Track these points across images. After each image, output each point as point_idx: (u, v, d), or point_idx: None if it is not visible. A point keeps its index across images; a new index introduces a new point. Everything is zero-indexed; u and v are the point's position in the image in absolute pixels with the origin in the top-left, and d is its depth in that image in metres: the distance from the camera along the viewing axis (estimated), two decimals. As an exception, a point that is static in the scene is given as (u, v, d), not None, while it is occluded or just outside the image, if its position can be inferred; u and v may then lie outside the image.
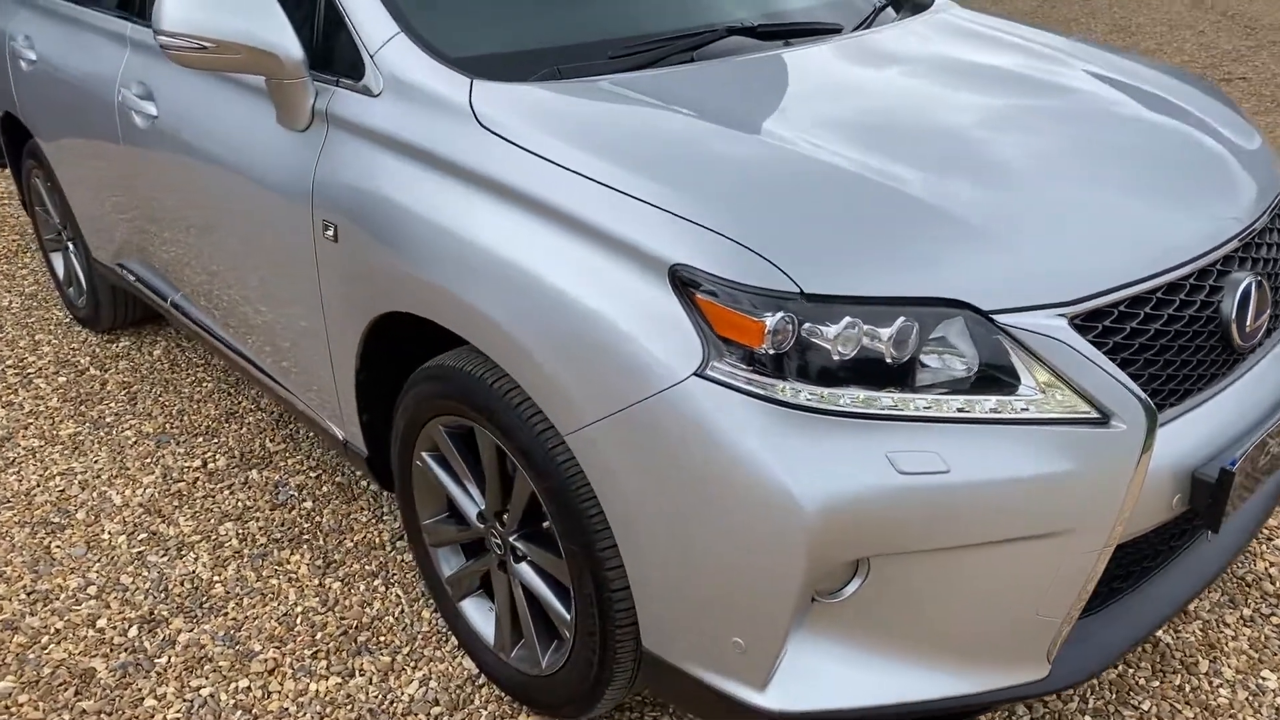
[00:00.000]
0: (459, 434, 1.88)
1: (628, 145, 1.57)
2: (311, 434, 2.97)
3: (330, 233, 1.90)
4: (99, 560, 2.48)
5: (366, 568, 2.41)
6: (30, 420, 3.12)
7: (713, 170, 1.51)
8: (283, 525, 2.58)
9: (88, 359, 3.51)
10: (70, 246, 3.62)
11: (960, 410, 1.35)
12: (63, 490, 2.76)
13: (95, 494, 2.74)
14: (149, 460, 2.88)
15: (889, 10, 2.39)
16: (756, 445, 1.32)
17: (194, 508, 2.66)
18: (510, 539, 1.83)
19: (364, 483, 2.74)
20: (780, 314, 1.33)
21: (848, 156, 1.55)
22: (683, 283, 1.39)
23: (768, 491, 1.31)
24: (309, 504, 2.66)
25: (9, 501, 2.72)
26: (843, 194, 1.48)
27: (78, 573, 2.44)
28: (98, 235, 3.20)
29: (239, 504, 2.67)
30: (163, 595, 2.35)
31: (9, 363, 3.49)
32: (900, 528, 1.34)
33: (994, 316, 1.36)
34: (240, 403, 3.17)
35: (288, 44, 1.88)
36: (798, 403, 1.33)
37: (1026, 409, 1.37)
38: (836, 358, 1.34)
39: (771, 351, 1.34)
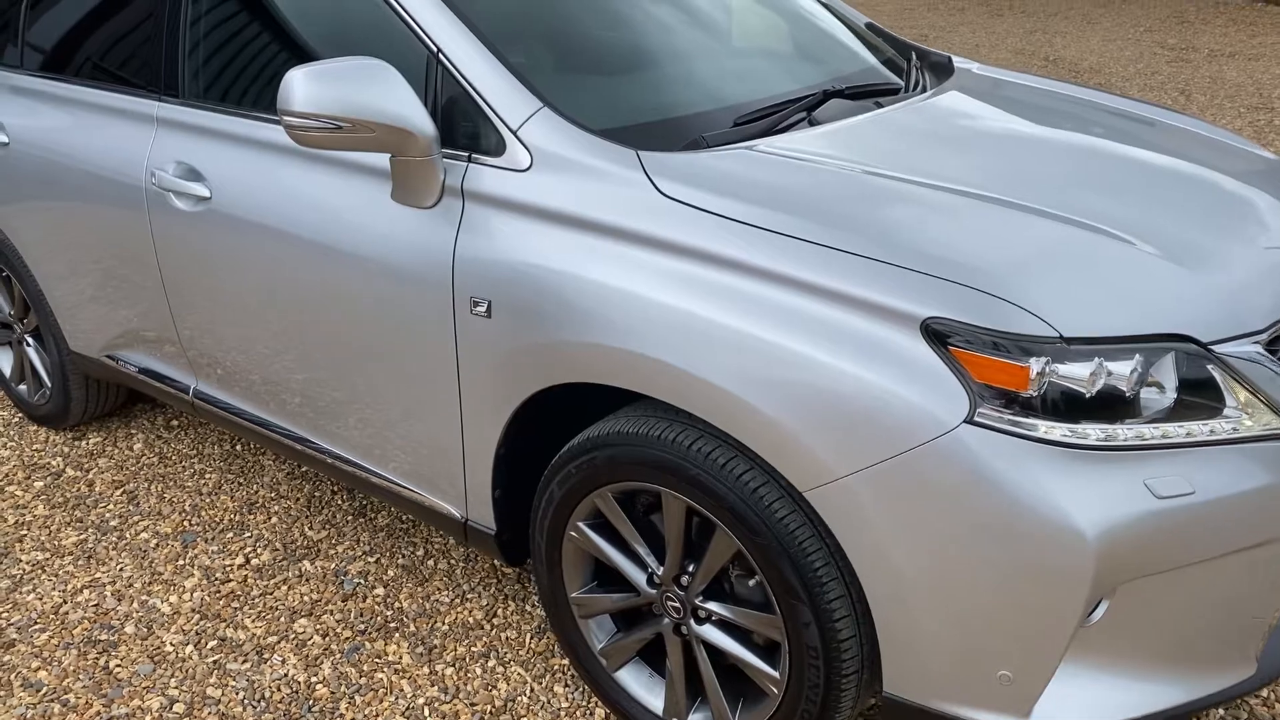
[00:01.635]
0: (625, 498, 1.87)
1: (831, 207, 1.64)
2: (359, 518, 2.84)
3: (482, 309, 1.86)
4: (173, 675, 2.29)
5: (473, 649, 2.33)
6: (22, 531, 2.85)
7: (927, 226, 1.59)
8: (363, 616, 2.46)
9: (60, 460, 3.24)
10: (28, 340, 3.34)
11: (1189, 435, 1.48)
12: (96, 604, 2.54)
13: (136, 604, 2.53)
14: (182, 562, 2.68)
15: (926, 73, 2.56)
16: (1034, 483, 1.40)
17: (256, 608, 2.50)
18: (695, 601, 1.83)
19: (431, 562, 2.65)
20: (1043, 358, 1.42)
21: (1044, 208, 1.67)
22: (935, 335, 1.46)
23: (1053, 526, 1.39)
24: (380, 590, 2.55)
25: (38, 623, 2.48)
26: (1060, 242, 1.59)
27: (155, 691, 2.24)
28: (82, 327, 2.98)
29: (305, 599, 2.52)
30: (262, 704, 2.20)
31: (-33, 472, 3.18)
32: (1159, 549, 1.44)
33: (1211, 347, 1.50)
34: (256, 491, 3.00)
35: (421, 121, 1.85)
36: (1059, 440, 1.42)
37: (1235, 429, 1.51)
38: (1086, 395, 1.45)
39: (1034, 394, 1.43)
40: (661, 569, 1.87)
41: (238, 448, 3.27)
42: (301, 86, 1.81)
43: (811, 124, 2.01)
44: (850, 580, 1.62)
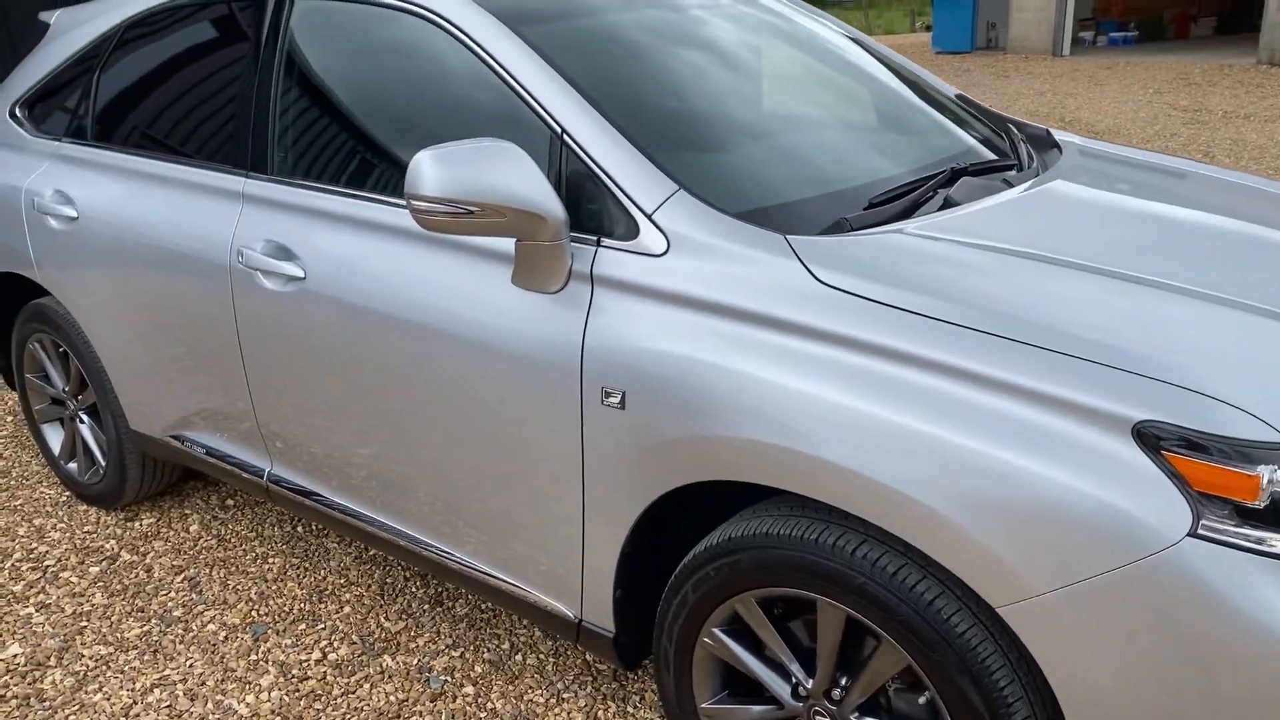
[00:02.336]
0: (767, 604, 1.75)
1: (1009, 296, 1.55)
2: (437, 606, 2.71)
3: (615, 399, 1.76)
4: (259, 787, 2.14)
5: (578, 757, 2.19)
6: (81, 623, 2.71)
7: (1116, 317, 1.50)
8: (454, 718, 2.31)
9: (114, 543, 3.10)
10: (82, 418, 3.23)
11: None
12: (169, 705, 2.39)
13: (211, 705, 2.38)
14: (255, 657, 2.54)
15: (1036, 150, 2.49)
16: (1267, 605, 1.29)
17: (340, 708, 2.35)
18: (849, 717, 1.71)
19: (519, 657, 2.51)
20: (1271, 465, 1.32)
21: (1225, 295, 1.58)
22: (1147, 439, 1.36)
23: (1290, 650, 1.28)
24: (469, 689, 2.41)
25: (108, 727, 2.33)
26: (1253, 332, 1.50)
27: (242, 806, 2.10)
28: (145, 405, 2.87)
29: (390, 698, 2.38)
30: (359, 820, 2.05)
31: (17, 556, 3.04)
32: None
33: None
34: (324, 578, 2.87)
35: (552, 206, 1.77)
36: (1285, 554, 1.32)
37: None
38: (1313, 505, 1.34)
39: (1264, 505, 1.32)
40: (810, 681, 1.74)
41: (298, 529, 3.14)
42: (432, 170, 1.72)
43: (947, 204, 1.93)
44: (1038, 700, 1.50)
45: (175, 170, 2.58)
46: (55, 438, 3.39)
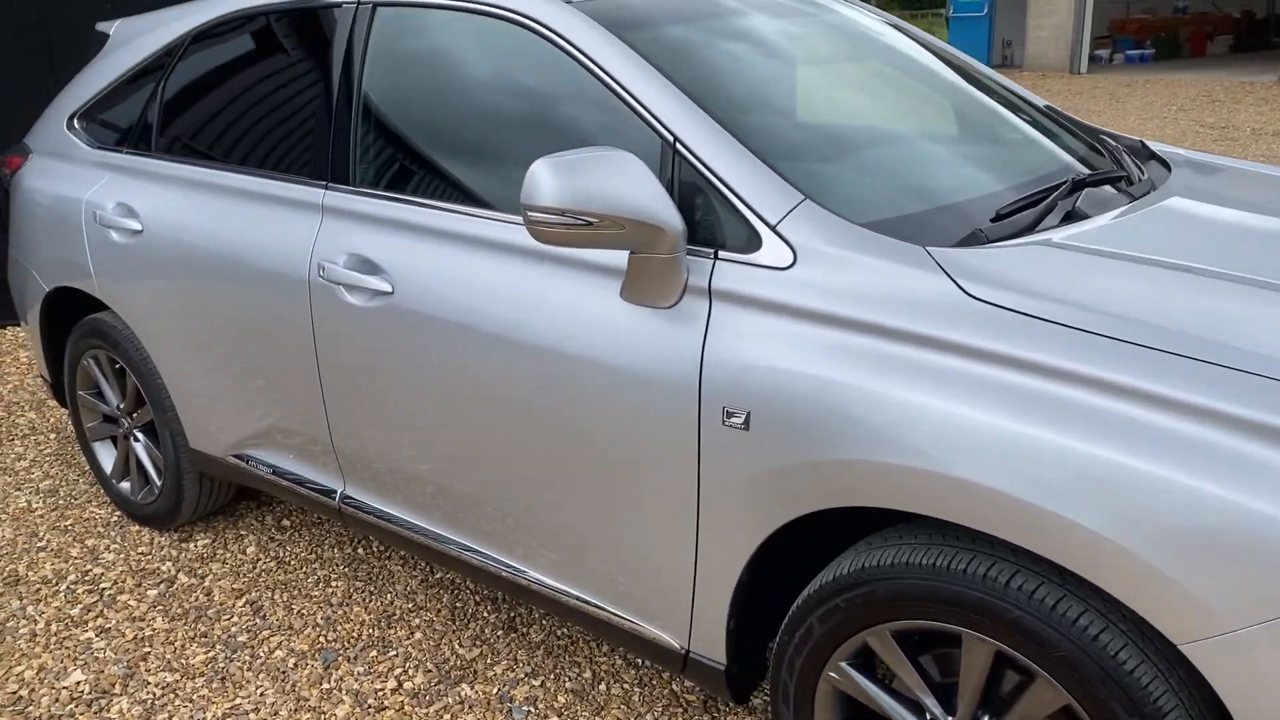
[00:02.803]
0: (899, 637, 1.66)
1: (1177, 312, 1.47)
2: (511, 632, 2.61)
3: (738, 420, 1.68)
4: (345, 824, 2.05)
5: (677, 794, 2.10)
6: (145, 648, 2.62)
7: (1292, 338, 1.42)
8: (543, 751, 2.22)
9: (170, 565, 3.02)
10: (137, 436, 3.15)
11: None
12: (243, 736, 2.30)
13: (287, 737, 2.29)
14: (328, 685, 2.45)
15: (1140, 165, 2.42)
16: None
17: (422, 741, 2.26)
18: (992, 756, 1.61)
19: (602, 686, 2.42)
20: None
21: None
22: (1346, 465, 1.27)
23: None
24: (554, 720, 2.31)
25: (181, 759, 2.24)
26: None
27: (329, 845, 2.00)
28: (208, 424, 2.79)
29: (473, 730, 2.29)
30: None
31: (71, 579, 2.96)
32: None
33: None
34: (392, 601, 2.78)
35: (671, 217, 1.69)
36: None
37: None
38: None
39: None
40: (948, 719, 1.65)
41: (359, 550, 3.06)
42: (550, 179, 1.65)
43: (1070, 217, 1.85)
44: (1214, 742, 1.40)
45: (247, 182, 2.51)
46: (107, 456, 3.31)
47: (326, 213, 2.32)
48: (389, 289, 2.16)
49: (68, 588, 2.91)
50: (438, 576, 2.90)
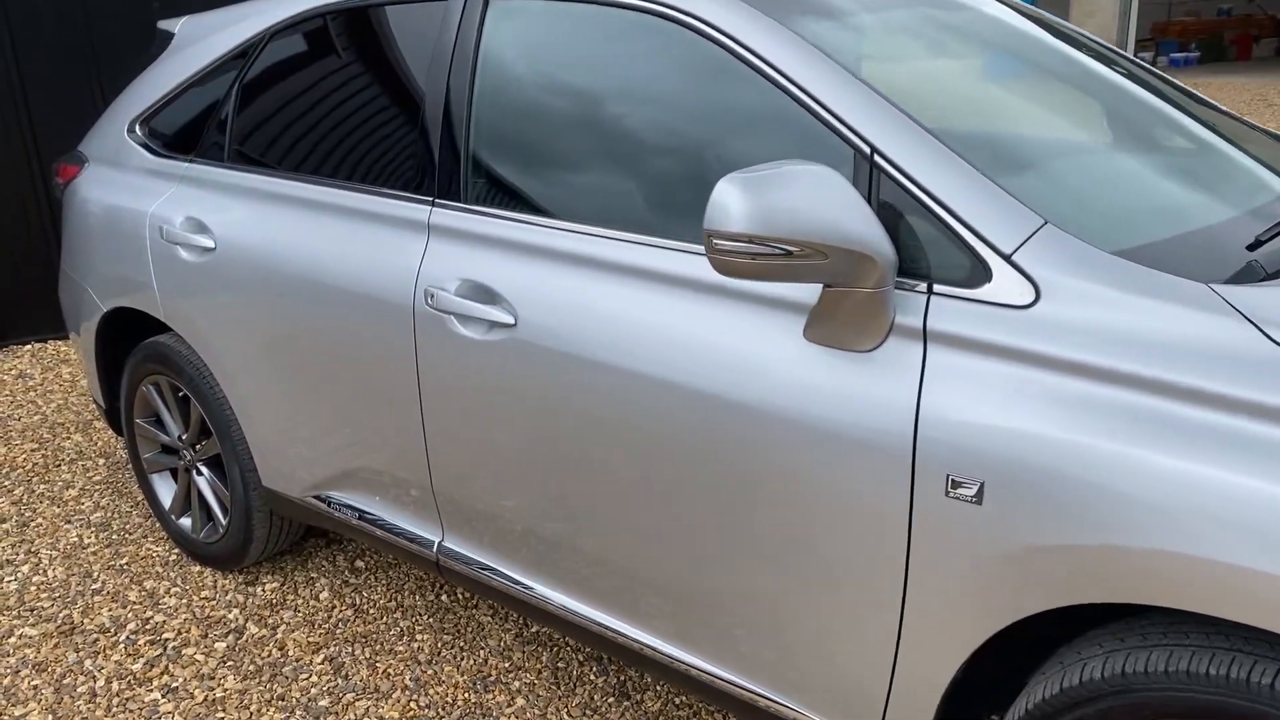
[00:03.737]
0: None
1: None
2: (623, 699, 2.33)
3: (968, 491, 1.39)
4: None
5: None
6: (217, 712, 2.36)
7: None
8: None
9: (237, 612, 2.75)
10: (200, 469, 2.89)
11: None
12: (337, 826, 2.03)
13: (387, 827, 2.02)
14: (427, 763, 2.18)
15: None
16: None
17: (542, 835, 1.98)
18: None
19: (738, 769, 2.13)
20: None
21: None
22: None
23: None
24: (688, 810, 2.03)
25: None
26: None
27: None
28: (284, 461, 2.53)
29: (598, 822, 2.01)
30: None
31: (131, 627, 2.70)
32: None
33: None
34: (485, 659, 2.50)
35: (882, 243, 1.41)
36: None
37: None
38: None
39: None
40: None
41: (443, 597, 2.79)
42: (739, 201, 1.37)
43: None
44: None
45: (337, 197, 2.25)
46: (165, 490, 3.06)
47: (434, 233, 2.05)
48: (510, 320, 1.88)
49: (128, 638, 2.66)
50: (534, 631, 2.63)
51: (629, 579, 1.89)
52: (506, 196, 1.97)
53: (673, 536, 1.77)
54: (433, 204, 2.07)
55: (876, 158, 1.54)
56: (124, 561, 3.03)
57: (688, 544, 1.75)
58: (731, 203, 1.38)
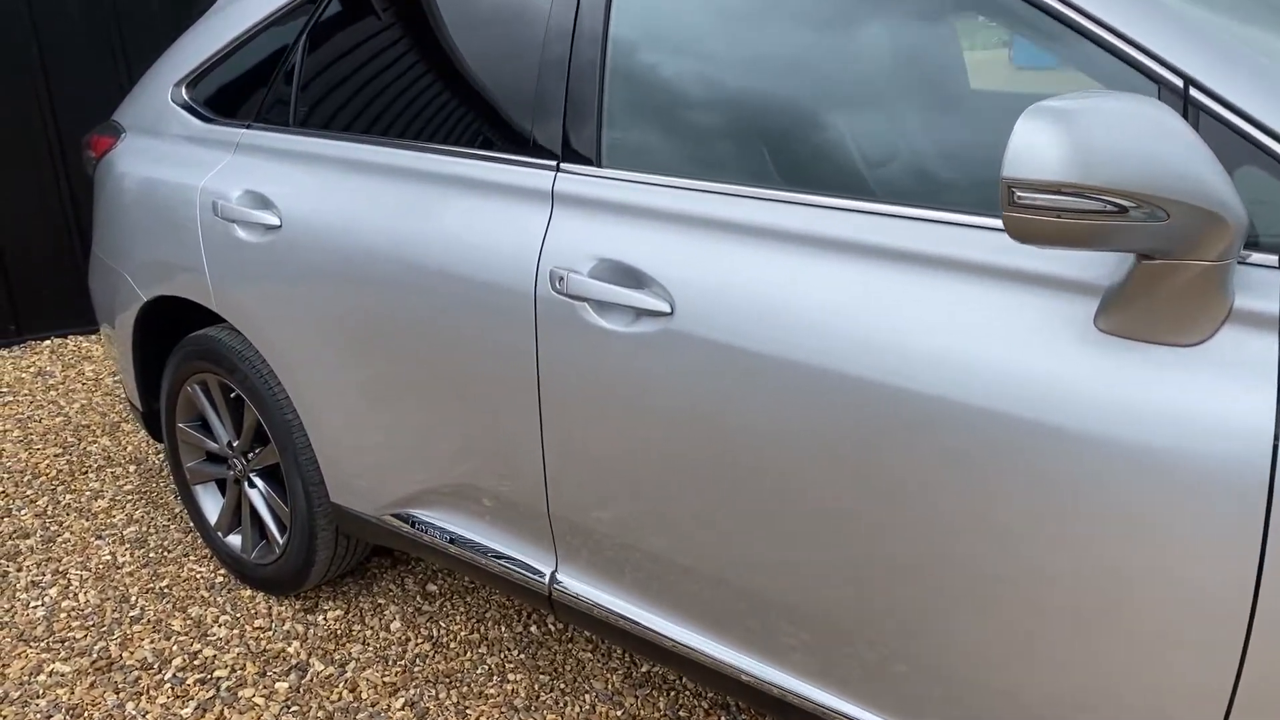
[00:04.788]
0: None
1: None
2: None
3: (1358, 536, 1.03)
4: None
5: None
6: (285, 772, 2.01)
7: None
8: None
9: (298, 645, 2.40)
10: (254, 481, 2.54)
11: None
12: None
13: None
14: (543, 839, 1.83)
15: None
16: None
17: None
18: None
19: None
20: None
21: None
22: None
23: None
24: None
25: None
26: None
27: None
28: (360, 474, 2.17)
29: None
30: None
31: (178, 664, 2.35)
32: None
33: None
34: (594, 707, 2.15)
35: (1234, 200, 1.05)
36: None
37: None
38: None
39: None
40: None
41: (532, 628, 2.44)
42: (1058, 141, 1.01)
43: None
44: None
45: (432, 163, 1.89)
46: (211, 503, 2.71)
47: (560, 203, 1.70)
48: (665, 308, 1.52)
49: (174, 676, 2.30)
50: (643, 671, 2.28)
51: (816, 628, 1.53)
52: (657, 156, 1.61)
53: (885, 582, 1.41)
54: (557, 168, 1.71)
55: (1194, 92, 1.17)
56: (164, 584, 2.68)
57: (911, 592, 1.39)
58: (1044, 142, 1.02)
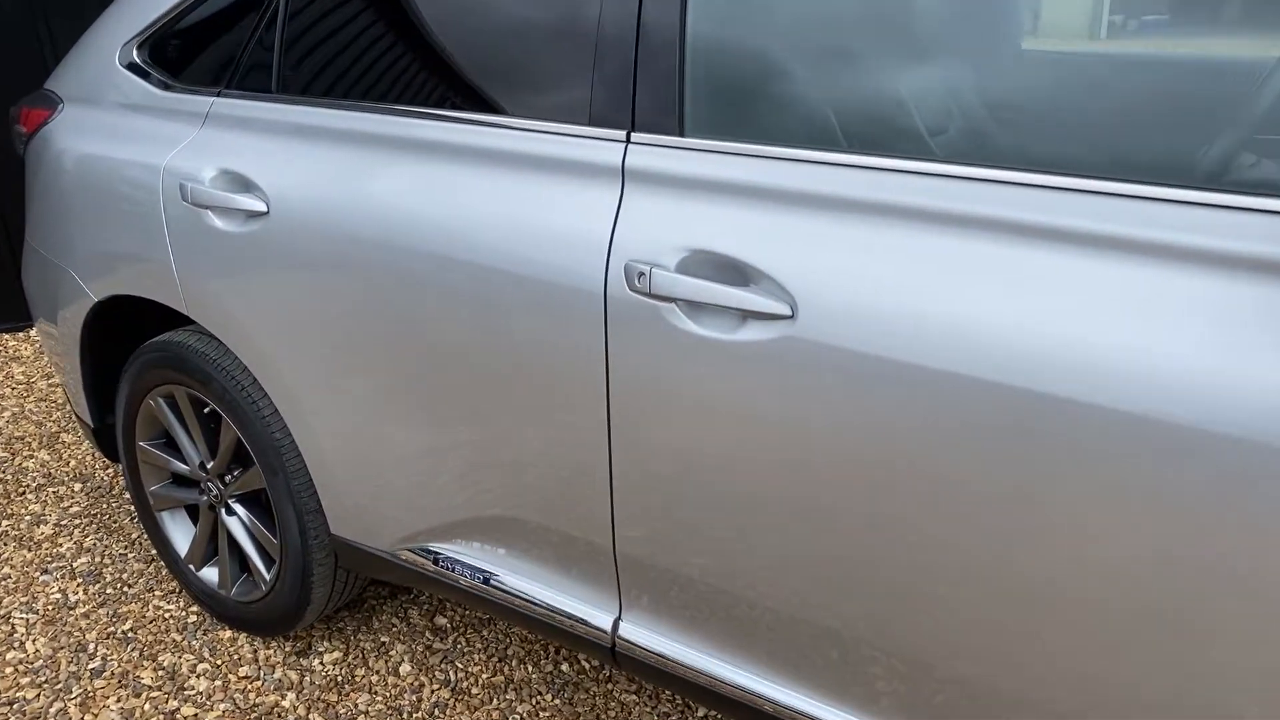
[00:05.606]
0: None
1: None
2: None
3: None
4: None
5: None
6: None
7: None
8: None
9: (294, 698, 2.08)
10: (233, 507, 2.19)
11: None
12: None
13: None
14: None
15: None
16: None
17: None
18: None
19: None
20: None
21: None
22: None
23: None
24: None
25: None
26: None
27: None
28: (371, 502, 1.85)
29: None
30: None
31: (152, 724, 2.01)
32: None
33: None
34: (649, 762, 1.87)
35: None
36: None
37: None
38: None
39: None
40: None
41: (563, 666, 2.15)
42: None
43: None
44: None
45: (467, 135, 1.56)
46: (180, 532, 2.36)
47: (633, 181, 1.39)
48: (784, 310, 1.23)
49: (149, 742, 1.97)
50: (700, 716, 2.00)
51: (925, 673, 1.26)
52: (760, 122, 1.31)
53: (1071, 629, 1.14)
54: (628, 140, 1.41)
55: None
56: (128, 627, 2.32)
57: (1116, 641, 1.13)
58: None
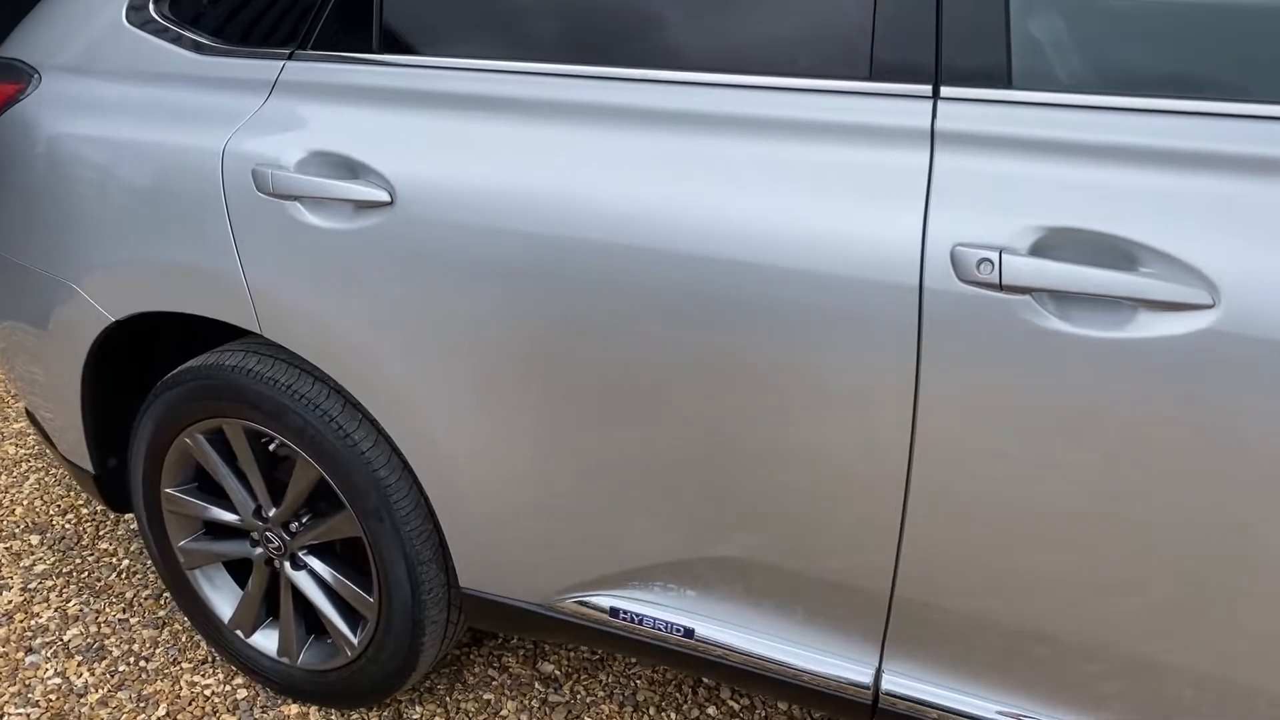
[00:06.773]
0: None
1: None
2: None
3: None
4: None
5: None
6: None
7: None
8: None
9: (408, 782, 1.74)
10: (302, 559, 1.82)
11: None
12: None
13: None
14: None
15: None
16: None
17: None
18: None
19: None
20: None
21: None
22: None
23: None
24: None
25: None
26: None
27: None
28: (519, 546, 1.53)
29: None
30: None
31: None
32: None
33: None
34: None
35: None
36: None
37: None
38: None
39: None
40: None
41: (710, 710, 1.88)
42: None
43: None
44: None
45: (687, 98, 1.26)
46: (219, 592, 1.95)
47: (947, 147, 1.12)
48: (1204, 300, 1.01)
49: None
50: (891, 749, 1.78)
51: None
52: (1136, 61, 1.07)
53: None
54: (935, 94, 1.14)
55: None
56: (162, 713, 1.91)
57: None
58: None
